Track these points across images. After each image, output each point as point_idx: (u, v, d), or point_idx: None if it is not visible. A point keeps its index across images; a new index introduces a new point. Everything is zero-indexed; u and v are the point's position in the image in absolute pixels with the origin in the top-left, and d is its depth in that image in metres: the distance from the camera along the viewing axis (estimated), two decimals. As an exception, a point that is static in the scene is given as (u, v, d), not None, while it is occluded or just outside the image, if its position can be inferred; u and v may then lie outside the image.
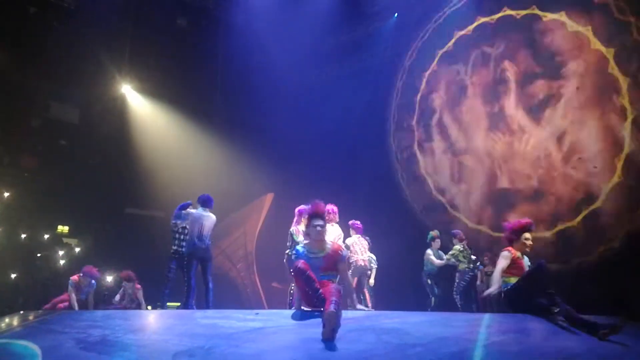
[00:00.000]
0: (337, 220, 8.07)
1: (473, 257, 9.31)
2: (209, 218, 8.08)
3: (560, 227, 10.36)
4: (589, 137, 10.22)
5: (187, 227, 8.08)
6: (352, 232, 8.67)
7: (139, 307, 9.81)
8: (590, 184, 10.06)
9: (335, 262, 4.94)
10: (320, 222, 4.98)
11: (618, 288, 8.26)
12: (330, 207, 8.04)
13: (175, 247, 8.42)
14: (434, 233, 9.64)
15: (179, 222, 8.14)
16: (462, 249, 9.07)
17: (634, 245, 8.90)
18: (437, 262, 9.23)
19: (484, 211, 11.77)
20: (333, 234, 7.77)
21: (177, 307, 8.13)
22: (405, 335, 4.59)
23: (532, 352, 4.13)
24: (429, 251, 9.42)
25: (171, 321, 5.43)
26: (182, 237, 8.38)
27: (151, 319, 5.94)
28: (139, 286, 9.93)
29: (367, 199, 13.15)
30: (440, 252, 9.48)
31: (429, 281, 9.30)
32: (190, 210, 8.13)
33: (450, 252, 9.19)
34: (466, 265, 9.00)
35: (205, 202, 8.18)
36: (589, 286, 8.87)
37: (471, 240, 10.22)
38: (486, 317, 5.26)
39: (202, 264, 7.96)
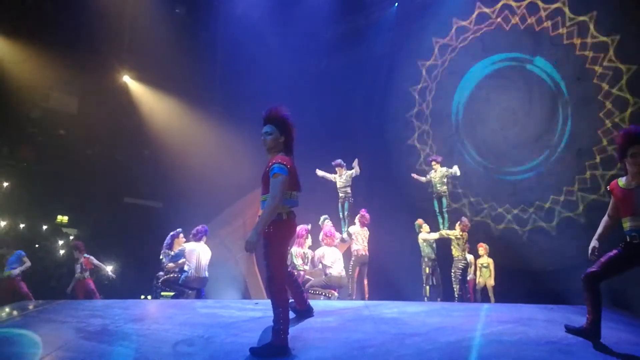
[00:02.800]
0: (336, 243, 8.10)
1: (467, 252, 9.41)
2: (205, 251, 8.03)
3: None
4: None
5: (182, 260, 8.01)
6: (356, 221, 8.80)
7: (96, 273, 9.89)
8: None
9: (267, 177, 3.99)
10: (267, 129, 4.20)
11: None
12: (328, 230, 8.06)
13: (164, 276, 8.13)
14: (419, 221, 9.75)
15: (179, 261, 7.97)
16: (459, 235, 9.10)
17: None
18: (431, 235, 9.37)
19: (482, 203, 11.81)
20: (333, 256, 7.78)
21: (171, 297, 8.15)
22: (404, 325, 4.62)
23: (530, 342, 4.15)
24: (420, 235, 9.52)
25: (171, 310, 5.46)
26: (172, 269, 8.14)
27: (151, 308, 5.96)
28: (87, 256, 9.85)
29: (366, 189, 13.14)
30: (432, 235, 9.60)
31: (427, 269, 9.38)
32: (185, 245, 8.08)
33: (447, 231, 9.25)
34: (459, 253, 9.06)
35: (197, 235, 8.06)
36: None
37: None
38: (484, 307, 5.29)
39: (197, 290, 7.98)
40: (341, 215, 9.69)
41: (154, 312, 5.54)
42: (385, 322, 4.74)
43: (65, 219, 14.95)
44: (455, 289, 8.95)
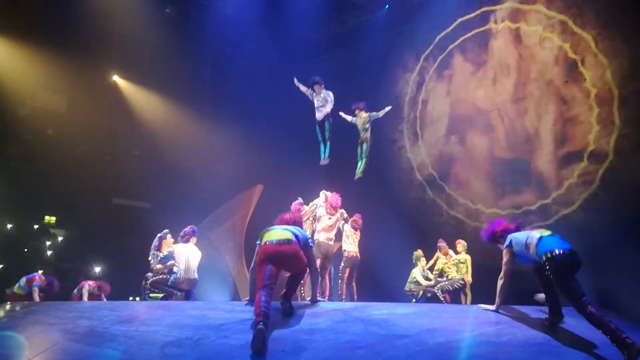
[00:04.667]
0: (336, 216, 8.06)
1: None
2: (195, 252, 7.96)
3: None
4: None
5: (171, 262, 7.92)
6: (349, 223, 8.66)
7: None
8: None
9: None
10: None
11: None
12: (334, 200, 8.02)
13: (153, 277, 7.92)
14: (419, 253, 9.72)
15: (168, 263, 7.86)
16: (445, 261, 9.09)
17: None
18: (425, 282, 9.35)
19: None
20: (325, 224, 7.75)
21: (160, 299, 8.08)
22: (393, 326, 4.62)
23: (518, 343, 4.18)
24: (415, 270, 9.52)
25: (160, 312, 5.40)
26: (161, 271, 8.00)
27: (140, 310, 5.91)
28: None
29: (356, 192, 13.14)
30: (427, 271, 9.62)
31: (412, 287, 9.42)
32: (174, 246, 8.01)
33: (435, 269, 9.24)
34: (456, 274, 9.02)
35: (185, 237, 8.04)
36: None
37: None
38: (473, 309, 5.31)
39: (186, 292, 7.91)
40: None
41: (143, 313, 5.48)
42: (374, 323, 4.73)
43: (53, 219, 14.79)
44: (437, 293, 8.92)
